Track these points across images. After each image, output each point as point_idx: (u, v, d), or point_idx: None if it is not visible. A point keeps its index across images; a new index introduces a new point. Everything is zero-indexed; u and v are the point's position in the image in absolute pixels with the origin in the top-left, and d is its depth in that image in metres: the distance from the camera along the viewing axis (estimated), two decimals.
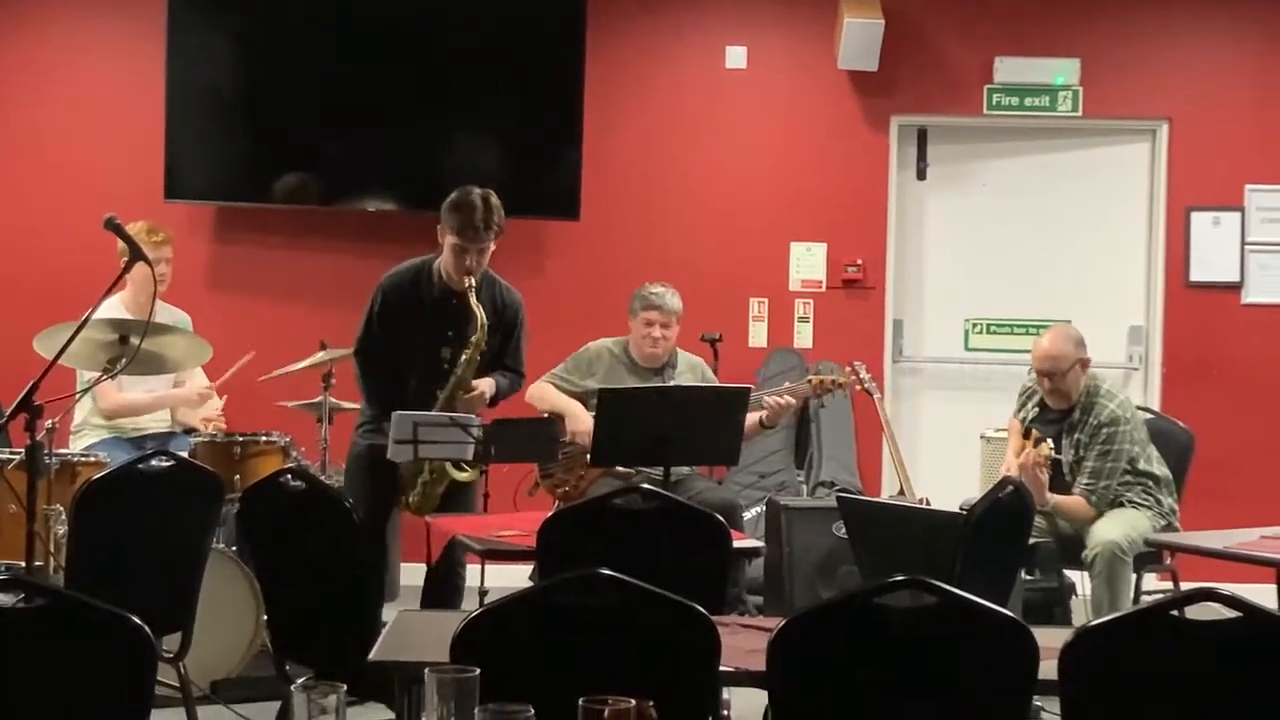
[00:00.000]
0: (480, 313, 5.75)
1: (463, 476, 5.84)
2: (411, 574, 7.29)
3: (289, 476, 4.64)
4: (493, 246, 5.83)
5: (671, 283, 6.91)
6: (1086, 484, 6.27)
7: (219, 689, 5.73)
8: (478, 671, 2.36)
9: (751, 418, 6.38)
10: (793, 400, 6.65)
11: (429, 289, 5.90)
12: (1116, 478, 6.28)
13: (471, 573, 5.80)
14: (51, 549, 5.40)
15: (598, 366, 6.79)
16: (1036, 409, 6.51)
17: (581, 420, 6.57)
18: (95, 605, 2.89)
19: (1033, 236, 8.59)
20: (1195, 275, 8.48)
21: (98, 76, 8.38)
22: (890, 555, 4.88)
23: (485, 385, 5.89)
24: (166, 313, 6.50)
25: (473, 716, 2.29)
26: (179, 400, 6.76)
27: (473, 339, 5.78)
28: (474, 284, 5.74)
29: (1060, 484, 6.30)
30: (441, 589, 5.84)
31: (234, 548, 5.95)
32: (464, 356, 5.80)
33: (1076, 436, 6.34)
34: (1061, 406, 6.41)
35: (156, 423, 6.74)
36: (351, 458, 6.06)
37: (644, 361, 6.79)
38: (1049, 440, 6.22)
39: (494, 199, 5.79)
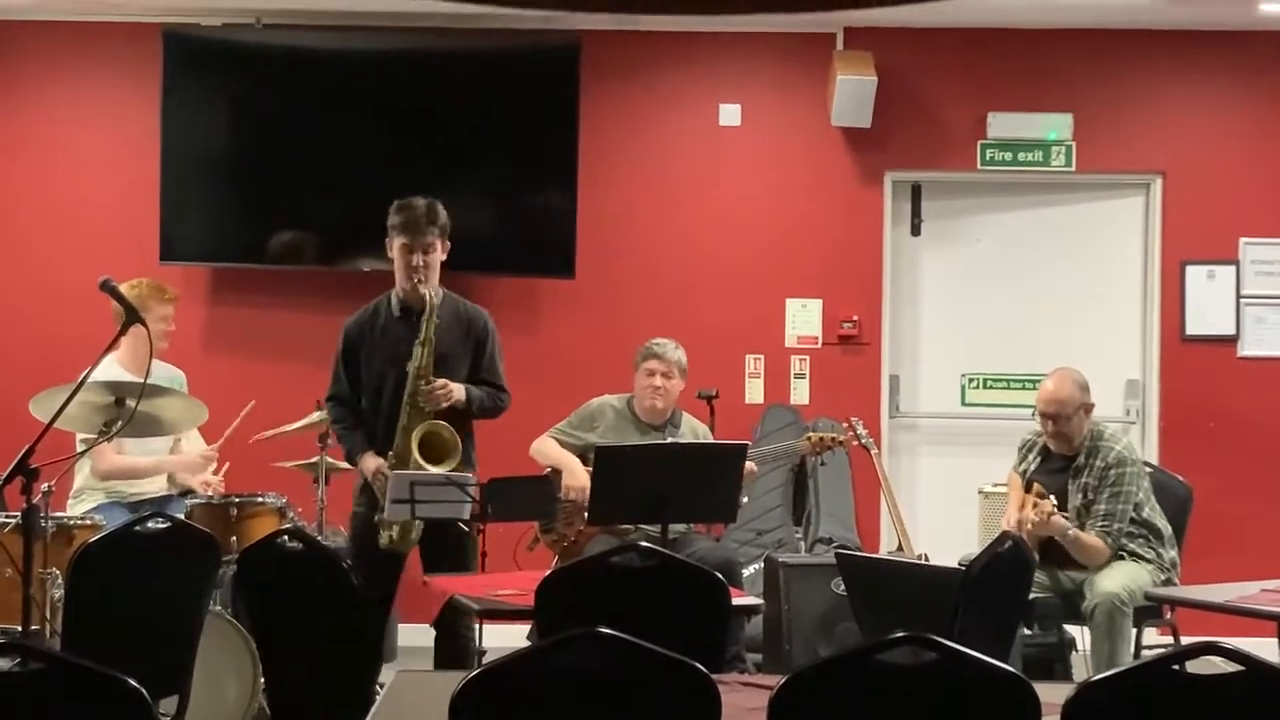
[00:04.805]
0: (429, 295, 5.90)
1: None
2: (409, 635, 7.27)
3: (286, 538, 4.64)
4: (440, 252, 6.02)
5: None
6: (1102, 525, 6.23)
7: None
8: None
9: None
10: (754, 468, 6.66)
11: (388, 313, 6.12)
12: (1128, 520, 6.26)
13: None
14: (48, 613, 5.38)
15: (600, 421, 6.79)
16: (1038, 459, 6.49)
17: (577, 476, 6.57)
18: (92, 669, 2.87)
19: (1028, 291, 8.60)
20: (1191, 329, 8.48)
21: (93, 140, 8.40)
22: (890, 612, 4.87)
23: (456, 386, 5.96)
24: (162, 370, 6.50)
25: None
26: (181, 466, 6.71)
27: (424, 330, 5.90)
28: (422, 279, 5.94)
29: None
30: (451, 649, 5.87)
31: (230, 610, 5.93)
32: (417, 345, 5.89)
33: (1084, 481, 6.31)
34: (1064, 452, 6.39)
35: (154, 486, 6.71)
36: (352, 515, 6.17)
37: (646, 416, 6.79)
38: (1051, 498, 6.17)
39: (439, 205, 6.05)
